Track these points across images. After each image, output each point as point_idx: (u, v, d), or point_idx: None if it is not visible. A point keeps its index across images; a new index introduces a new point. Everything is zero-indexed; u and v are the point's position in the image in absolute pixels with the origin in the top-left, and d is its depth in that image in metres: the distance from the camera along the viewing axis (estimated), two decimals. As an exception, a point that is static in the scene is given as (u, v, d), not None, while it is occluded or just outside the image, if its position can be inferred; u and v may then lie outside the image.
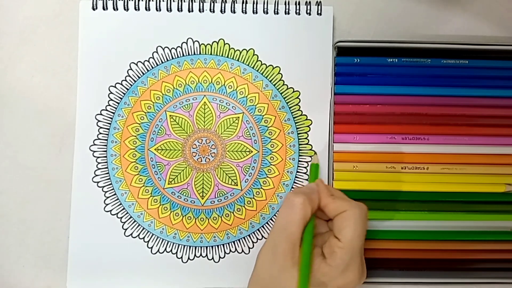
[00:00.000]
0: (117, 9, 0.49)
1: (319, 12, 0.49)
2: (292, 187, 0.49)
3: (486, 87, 0.49)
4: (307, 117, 0.49)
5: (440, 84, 0.49)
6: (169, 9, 0.49)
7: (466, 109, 0.49)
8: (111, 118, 0.49)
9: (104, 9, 0.49)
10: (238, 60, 0.49)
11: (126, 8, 0.49)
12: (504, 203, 0.49)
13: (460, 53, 0.49)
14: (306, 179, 0.49)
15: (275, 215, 0.49)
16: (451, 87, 0.49)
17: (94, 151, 0.49)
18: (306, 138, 0.49)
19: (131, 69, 0.49)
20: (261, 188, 0.49)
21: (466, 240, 0.48)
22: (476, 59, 0.49)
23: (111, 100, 0.49)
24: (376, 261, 0.48)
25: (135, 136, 0.49)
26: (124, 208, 0.48)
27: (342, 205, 0.41)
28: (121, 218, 0.48)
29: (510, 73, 0.49)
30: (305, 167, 0.49)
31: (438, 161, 0.49)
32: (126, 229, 0.48)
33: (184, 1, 0.50)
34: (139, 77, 0.49)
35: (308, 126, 0.49)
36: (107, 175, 0.49)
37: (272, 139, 0.49)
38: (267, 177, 0.49)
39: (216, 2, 0.49)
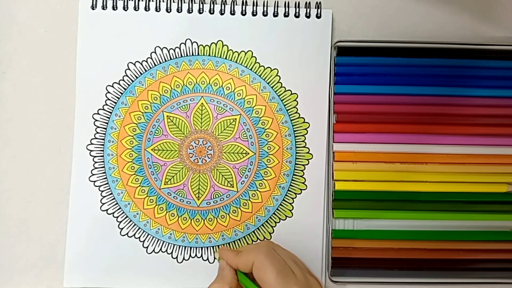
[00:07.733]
0: (116, 9, 0.49)
1: (318, 15, 0.49)
2: (288, 190, 0.49)
3: (486, 87, 0.49)
4: (304, 120, 0.49)
5: (440, 84, 0.49)
6: (168, 10, 0.49)
7: (466, 108, 0.49)
8: (108, 118, 0.49)
9: (103, 8, 0.49)
10: (236, 61, 0.49)
11: (126, 8, 0.49)
12: (505, 203, 0.49)
13: (460, 53, 0.49)
14: (303, 182, 0.49)
15: (270, 217, 0.49)
16: (451, 87, 0.49)
17: (91, 150, 0.49)
18: (303, 141, 0.49)
19: (129, 68, 0.49)
20: (257, 190, 0.49)
21: (466, 240, 0.48)
22: (476, 59, 0.49)
23: (109, 99, 0.49)
24: (376, 261, 0.48)
25: (132, 136, 0.49)
26: (120, 208, 0.49)
27: (247, 258, 0.42)
28: (117, 217, 0.48)
29: (510, 73, 0.49)
30: (302, 170, 0.49)
31: (439, 161, 0.49)
32: (122, 229, 0.48)
33: (184, 2, 0.49)
34: (137, 77, 0.49)
35: (305, 129, 0.49)
36: (104, 174, 0.49)
37: (269, 142, 0.49)
38: (263, 179, 0.49)
39: (215, 3, 0.49)
